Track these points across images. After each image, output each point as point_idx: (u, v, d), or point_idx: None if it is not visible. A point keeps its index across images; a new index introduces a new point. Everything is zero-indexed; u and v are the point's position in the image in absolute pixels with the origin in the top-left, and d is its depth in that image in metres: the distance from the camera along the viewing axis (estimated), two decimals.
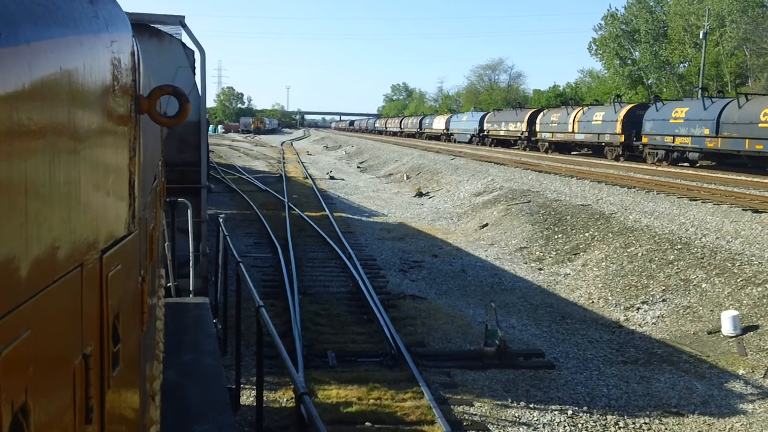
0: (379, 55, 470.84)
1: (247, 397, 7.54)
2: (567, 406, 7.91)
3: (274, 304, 11.14)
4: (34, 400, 0.91)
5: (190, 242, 9.58)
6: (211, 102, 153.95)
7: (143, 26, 10.27)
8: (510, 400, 7.98)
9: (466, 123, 62.26)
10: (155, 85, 2.13)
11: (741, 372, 9.07)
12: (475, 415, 7.61)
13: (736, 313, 10.28)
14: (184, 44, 11.29)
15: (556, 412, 7.74)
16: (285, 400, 7.78)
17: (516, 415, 7.66)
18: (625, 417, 7.74)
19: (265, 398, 7.31)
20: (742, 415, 7.89)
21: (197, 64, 11.29)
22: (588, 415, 7.75)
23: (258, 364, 5.60)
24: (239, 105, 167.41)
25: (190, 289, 9.48)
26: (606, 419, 7.67)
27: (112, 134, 1.51)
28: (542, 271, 14.71)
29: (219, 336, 7.68)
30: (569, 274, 14.29)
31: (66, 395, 1.10)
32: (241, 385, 7.29)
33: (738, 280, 11.55)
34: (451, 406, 7.72)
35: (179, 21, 10.94)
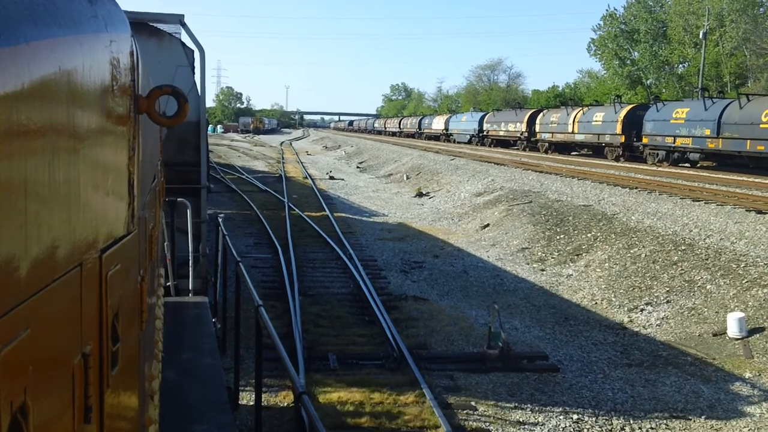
0: (378, 55, 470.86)
1: (247, 401, 7.42)
2: (572, 411, 7.80)
3: (275, 305, 11.02)
4: (33, 400, 0.90)
5: (190, 242, 9.48)
6: (210, 102, 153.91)
7: (142, 25, 10.18)
8: (514, 404, 7.86)
9: (465, 123, 62.15)
10: (154, 85, 2.12)
11: (747, 375, 8.96)
12: (479, 419, 7.49)
13: (741, 314, 10.17)
14: (183, 43, 11.19)
15: (561, 417, 7.63)
16: (285, 403, 7.66)
17: (520, 419, 7.54)
18: (631, 422, 7.63)
19: (265, 402, 7.20)
20: (749, 420, 7.78)
21: (197, 64, 11.20)
22: (593, 419, 7.64)
23: (257, 363, 5.55)
24: (238, 105, 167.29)
25: (189, 289, 9.39)
26: (612, 424, 7.55)
27: (111, 134, 1.51)
28: (544, 272, 14.60)
29: (218, 335, 7.59)
30: (572, 275, 14.18)
31: (65, 395, 1.10)
32: (240, 386, 7.19)
33: (743, 282, 11.44)
34: (455, 411, 7.60)
35: (179, 20, 10.84)
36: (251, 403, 7.18)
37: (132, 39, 2.00)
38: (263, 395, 7.16)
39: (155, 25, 10.80)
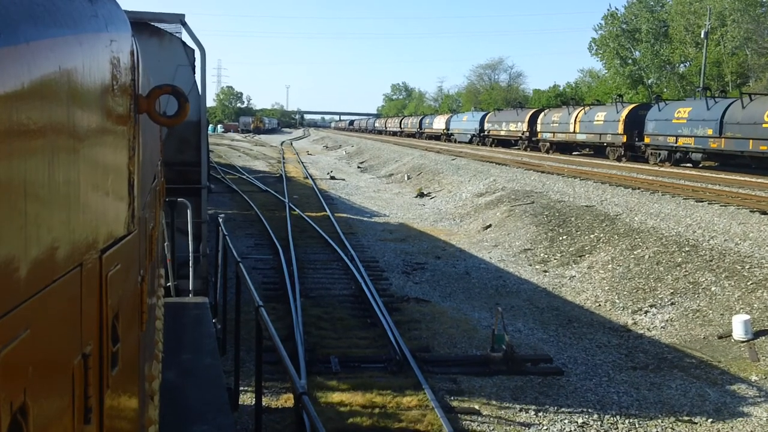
0: (378, 54, 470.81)
1: (249, 403, 7.33)
2: (577, 414, 7.70)
3: (276, 307, 10.93)
4: (33, 400, 0.91)
5: (190, 243, 9.41)
6: (210, 101, 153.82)
7: (143, 24, 10.13)
8: (518, 408, 7.77)
9: (466, 123, 62.05)
10: (155, 84, 2.12)
11: (754, 378, 8.86)
12: (483, 423, 7.40)
13: (747, 317, 10.07)
14: (184, 43, 11.13)
15: (566, 421, 7.54)
16: (285, 409, 7.57)
17: (525, 423, 7.45)
18: (637, 425, 7.53)
19: (266, 405, 7.12)
20: (756, 423, 7.68)
21: (197, 63, 11.14)
22: (599, 423, 7.54)
23: (257, 363, 5.50)
24: (239, 104, 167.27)
25: (190, 289, 9.33)
26: (617, 428, 7.46)
27: (111, 134, 1.51)
28: (547, 273, 14.50)
29: (218, 336, 7.54)
30: (575, 276, 14.08)
31: (65, 395, 1.11)
32: (241, 389, 7.11)
33: (748, 283, 11.34)
34: (458, 415, 7.51)
35: (179, 19, 10.79)
36: (252, 405, 7.10)
37: (132, 38, 1.99)
38: (264, 399, 7.09)
39: (156, 24, 10.74)
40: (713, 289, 11.62)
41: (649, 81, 62.41)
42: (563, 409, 7.83)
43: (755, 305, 10.66)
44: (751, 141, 26.49)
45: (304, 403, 3.65)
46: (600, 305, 12.27)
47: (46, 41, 0.97)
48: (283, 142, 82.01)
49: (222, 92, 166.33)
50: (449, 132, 66.58)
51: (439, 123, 71.78)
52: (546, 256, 15.73)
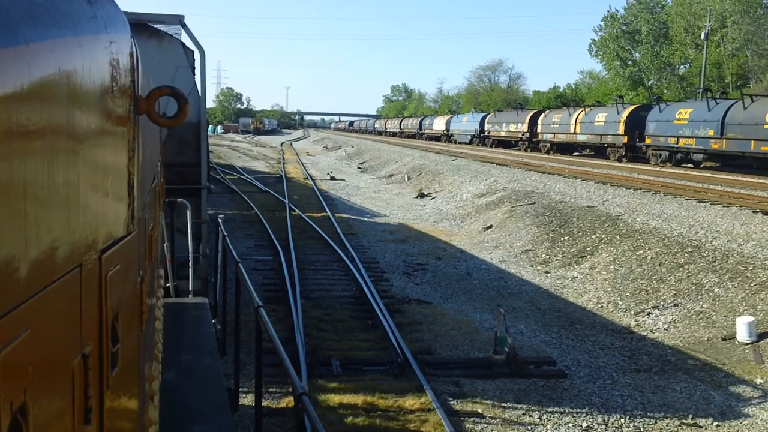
0: (378, 55, 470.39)
1: (249, 405, 7.25)
2: (581, 418, 7.63)
3: (276, 308, 10.85)
4: (33, 401, 0.92)
5: (190, 243, 9.35)
6: (210, 102, 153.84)
7: (143, 26, 10.09)
8: (522, 412, 7.69)
9: (466, 124, 62.02)
10: (154, 86, 2.13)
11: (759, 381, 8.78)
12: (486, 426, 7.33)
13: (751, 318, 9.99)
14: (183, 44, 11.10)
15: (570, 425, 7.46)
16: (286, 411, 7.49)
17: (528, 427, 7.37)
18: (642, 429, 7.45)
19: (265, 407, 7.04)
20: (762, 426, 7.61)
21: (197, 64, 11.09)
22: (603, 427, 7.46)
23: (257, 363, 5.48)
24: (238, 105, 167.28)
25: (190, 289, 9.27)
26: None
27: (111, 135, 1.52)
28: (549, 275, 14.43)
29: (218, 337, 7.49)
30: (576, 277, 14.00)
31: (65, 396, 1.12)
32: (241, 392, 7.05)
33: (752, 285, 11.26)
34: (461, 418, 7.43)
35: (179, 21, 10.76)
36: (252, 407, 7.03)
37: (132, 40, 2.01)
38: (265, 401, 7.01)
39: (155, 25, 10.70)
40: (716, 290, 11.54)
41: (650, 82, 62.35)
42: (567, 413, 7.75)
43: (759, 307, 10.58)
44: (752, 142, 26.44)
45: (304, 404, 3.60)
46: (602, 306, 12.19)
47: (45, 42, 0.97)
48: (283, 143, 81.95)
49: (222, 93, 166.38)
50: (449, 133, 66.53)
51: (439, 124, 71.73)
52: (547, 256, 15.66)
